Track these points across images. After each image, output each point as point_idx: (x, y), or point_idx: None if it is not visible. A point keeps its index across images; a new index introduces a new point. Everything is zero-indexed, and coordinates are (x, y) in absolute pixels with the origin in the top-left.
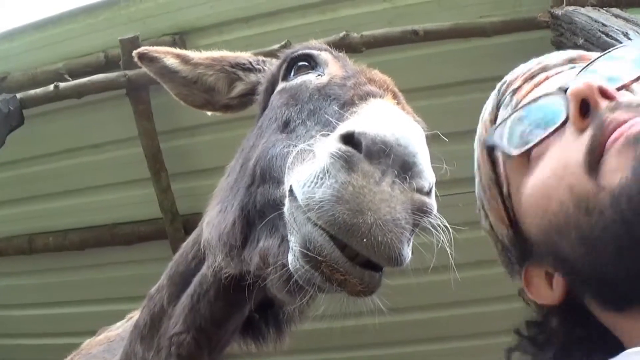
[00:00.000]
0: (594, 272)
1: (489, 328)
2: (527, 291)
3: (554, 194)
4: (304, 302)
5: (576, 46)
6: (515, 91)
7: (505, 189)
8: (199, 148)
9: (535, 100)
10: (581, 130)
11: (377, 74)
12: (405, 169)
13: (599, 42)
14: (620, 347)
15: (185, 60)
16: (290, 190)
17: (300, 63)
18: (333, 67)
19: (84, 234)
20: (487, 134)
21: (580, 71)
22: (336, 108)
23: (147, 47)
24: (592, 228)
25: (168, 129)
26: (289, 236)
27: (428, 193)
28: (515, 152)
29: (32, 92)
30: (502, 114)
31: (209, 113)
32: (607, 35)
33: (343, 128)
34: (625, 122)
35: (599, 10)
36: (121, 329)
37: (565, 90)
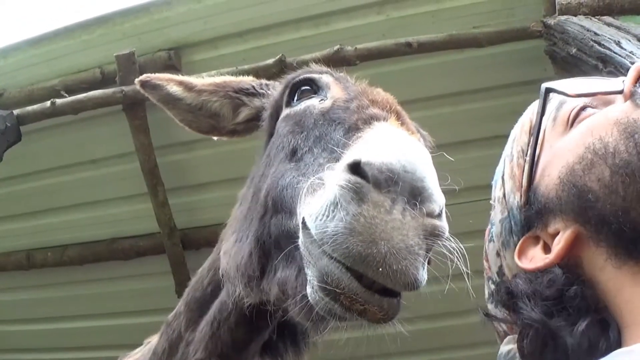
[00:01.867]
0: (622, 206)
1: (489, 338)
2: (518, 261)
3: (597, 129)
4: (327, 330)
5: (569, 55)
6: None
7: (537, 153)
8: (195, 163)
9: (597, 77)
10: (628, 97)
11: (379, 93)
12: (415, 194)
13: (592, 51)
14: (607, 316)
15: (188, 88)
16: (303, 223)
17: (303, 87)
18: (335, 89)
19: (82, 249)
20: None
21: None
22: (341, 133)
23: (149, 75)
24: (631, 150)
25: (165, 144)
26: (305, 269)
27: (439, 215)
28: (573, 93)
29: (29, 108)
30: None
31: (215, 138)
32: (599, 44)
33: (349, 157)
34: None
35: (591, 19)
36: (140, 354)
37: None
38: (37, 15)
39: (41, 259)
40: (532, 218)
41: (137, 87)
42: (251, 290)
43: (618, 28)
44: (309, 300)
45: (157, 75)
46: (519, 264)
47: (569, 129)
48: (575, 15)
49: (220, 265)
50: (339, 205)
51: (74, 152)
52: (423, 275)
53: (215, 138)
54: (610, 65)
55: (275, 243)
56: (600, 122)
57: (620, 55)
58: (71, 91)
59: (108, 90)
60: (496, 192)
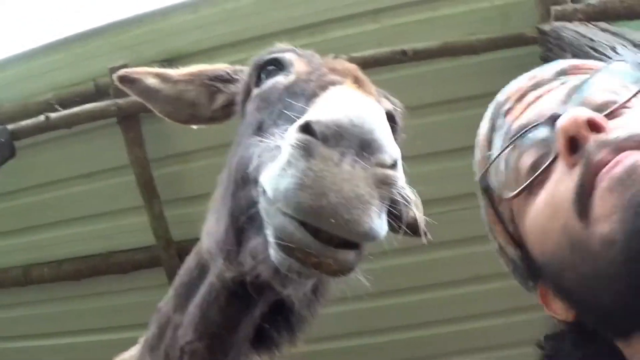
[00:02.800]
0: (594, 307)
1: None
2: (545, 307)
3: (550, 234)
4: (295, 289)
5: None
6: (506, 112)
7: (508, 217)
8: (191, 174)
9: (523, 133)
10: (572, 166)
11: (340, 62)
12: (363, 146)
13: (587, 57)
14: None
15: (165, 79)
16: (262, 188)
17: (269, 67)
18: (299, 65)
19: (78, 264)
20: (480, 171)
21: (570, 95)
22: (303, 103)
23: (127, 70)
24: (586, 271)
25: (160, 156)
26: (265, 230)
27: (392, 166)
28: (509, 195)
29: (22, 123)
30: (496, 138)
31: (195, 127)
32: (595, 50)
33: (300, 120)
34: (614, 163)
35: (586, 25)
36: (134, 351)
37: (555, 120)
38: (30, 28)
39: (38, 275)
40: (537, 272)
41: (116, 82)
42: (230, 263)
43: (614, 34)
44: (273, 262)
45: (135, 69)
46: (545, 309)
47: (529, 195)
48: (571, 22)
49: (203, 245)
50: (290, 164)
51: (69, 166)
52: (380, 225)
53: (194, 127)
54: None
55: (246, 215)
56: (550, 224)
57: None
58: (65, 105)
59: (102, 103)
60: (493, 244)
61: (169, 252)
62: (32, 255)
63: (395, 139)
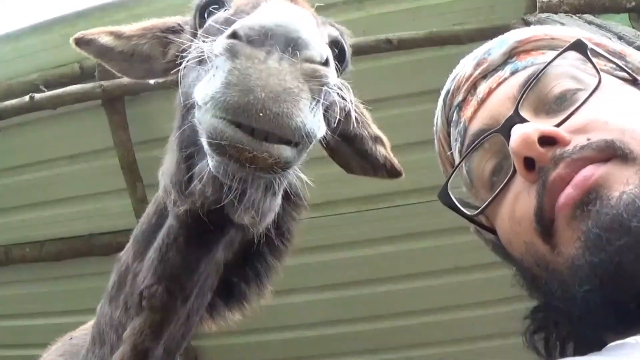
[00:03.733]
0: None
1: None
2: None
3: (514, 245)
4: (238, 200)
5: None
6: (460, 106)
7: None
8: None
9: (479, 142)
10: (531, 182)
11: None
12: (289, 44)
13: None
14: None
15: (118, 36)
16: (195, 100)
17: (212, 7)
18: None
19: (60, 245)
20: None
21: (523, 91)
22: None
23: (83, 32)
24: (552, 284)
25: (144, 140)
26: (201, 138)
27: (325, 64)
28: (472, 214)
29: (7, 103)
30: (453, 135)
31: (152, 82)
32: None
33: (228, 30)
34: (568, 180)
35: (572, 17)
36: None
37: (509, 129)
38: (16, 9)
39: (19, 255)
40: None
41: (73, 46)
42: (182, 194)
43: (599, 26)
44: (212, 173)
45: (90, 30)
46: None
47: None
48: (556, 13)
49: (160, 188)
50: (217, 69)
51: (53, 147)
52: (314, 121)
53: (152, 82)
54: None
55: (192, 142)
56: (513, 237)
57: None
58: (50, 86)
59: (87, 85)
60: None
61: None
62: (14, 235)
63: (344, 63)
